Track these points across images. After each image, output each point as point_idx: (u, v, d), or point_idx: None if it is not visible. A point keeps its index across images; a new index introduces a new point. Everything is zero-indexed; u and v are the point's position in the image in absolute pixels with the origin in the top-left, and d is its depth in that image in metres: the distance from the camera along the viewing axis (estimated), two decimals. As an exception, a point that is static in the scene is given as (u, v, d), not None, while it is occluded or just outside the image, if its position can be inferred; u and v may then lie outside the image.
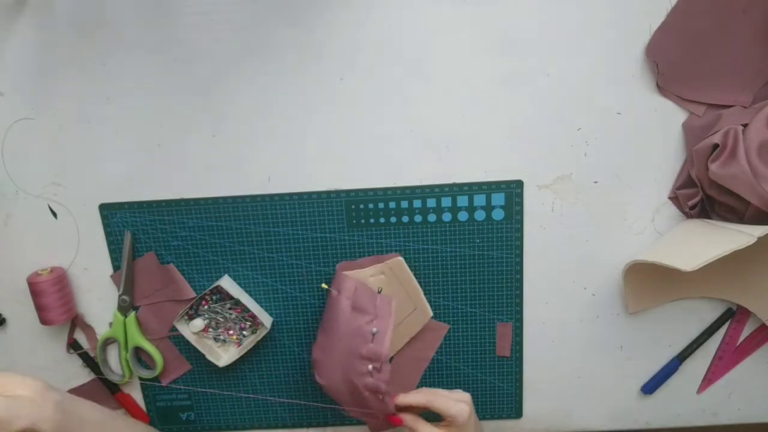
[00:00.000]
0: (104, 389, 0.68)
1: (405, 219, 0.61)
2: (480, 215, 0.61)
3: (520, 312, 0.64)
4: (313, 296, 0.64)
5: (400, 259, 0.62)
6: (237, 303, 0.63)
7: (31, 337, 0.67)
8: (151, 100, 0.59)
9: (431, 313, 0.64)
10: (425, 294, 0.63)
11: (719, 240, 0.51)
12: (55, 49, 0.58)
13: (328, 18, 0.56)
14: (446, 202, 0.61)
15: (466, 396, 0.56)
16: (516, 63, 0.57)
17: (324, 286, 0.62)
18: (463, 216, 0.61)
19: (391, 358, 0.65)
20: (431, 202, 0.61)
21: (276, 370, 0.67)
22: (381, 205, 0.61)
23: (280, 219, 0.62)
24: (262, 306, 0.64)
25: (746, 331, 0.64)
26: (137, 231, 0.63)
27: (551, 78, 0.57)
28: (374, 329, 0.55)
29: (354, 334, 0.57)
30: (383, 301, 0.58)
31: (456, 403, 0.54)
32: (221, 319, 0.64)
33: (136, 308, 0.65)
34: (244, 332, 0.65)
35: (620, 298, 0.63)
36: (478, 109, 0.58)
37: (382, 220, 0.61)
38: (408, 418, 0.56)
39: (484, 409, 0.68)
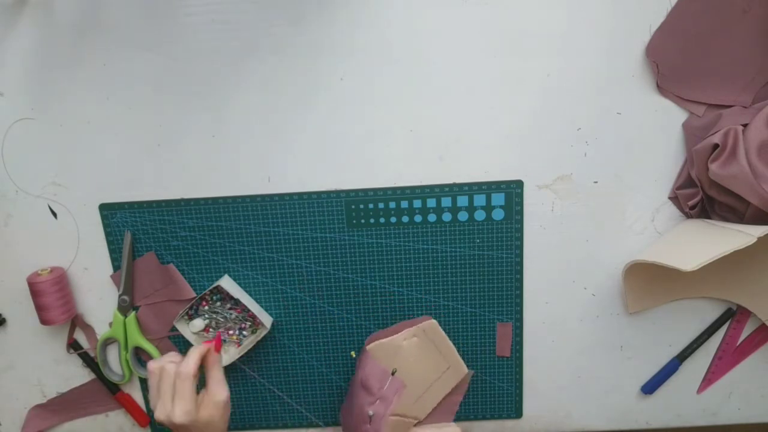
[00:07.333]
0: (104, 389, 0.69)
1: (405, 219, 0.61)
2: (480, 215, 0.61)
3: (520, 312, 0.64)
4: (313, 296, 0.64)
5: (434, 321, 0.63)
6: (237, 303, 0.63)
7: (31, 337, 0.67)
8: (151, 101, 0.59)
9: (466, 370, 0.65)
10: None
11: (719, 240, 0.51)
12: (55, 49, 0.58)
13: (329, 18, 0.56)
14: (446, 202, 0.61)
15: (458, 429, 0.56)
16: (516, 63, 0.57)
17: (353, 354, 0.65)
18: (463, 216, 0.61)
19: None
20: (431, 202, 0.61)
21: (276, 371, 0.67)
22: (381, 205, 0.61)
23: (280, 219, 0.62)
24: (262, 306, 0.64)
25: (746, 331, 0.64)
26: (137, 231, 0.63)
27: (551, 78, 0.57)
28: (371, 412, 0.57)
29: (359, 410, 0.59)
30: (393, 384, 0.59)
31: None
32: (221, 319, 0.64)
33: (136, 308, 0.65)
34: (244, 332, 0.65)
35: (620, 298, 0.63)
36: (478, 109, 0.58)
37: (382, 220, 0.61)
38: None
39: (484, 409, 0.68)
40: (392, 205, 0.61)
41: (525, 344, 0.66)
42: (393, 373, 0.59)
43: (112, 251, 0.64)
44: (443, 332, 0.64)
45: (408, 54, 0.57)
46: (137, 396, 0.69)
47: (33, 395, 0.69)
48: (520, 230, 0.61)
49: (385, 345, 0.62)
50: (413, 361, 0.63)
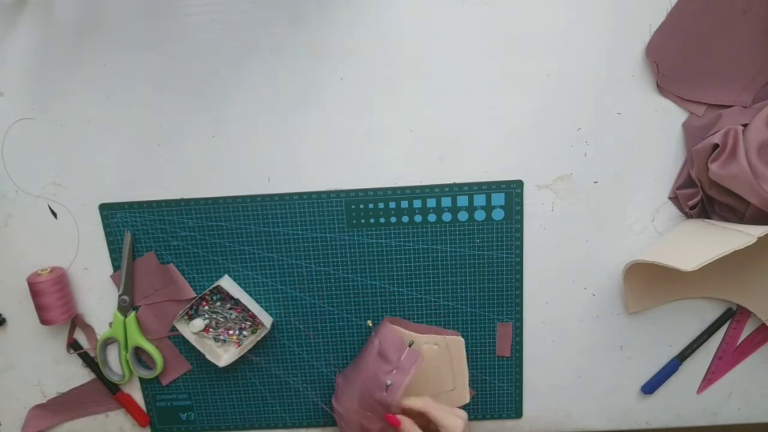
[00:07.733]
0: (104, 389, 0.69)
1: (405, 219, 0.61)
2: (480, 215, 0.61)
3: (520, 312, 0.64)
4: (313, 296, 0.64)
5: (461, 339, 0.63)
6: (237, 303, 0.63)
7: (31, 337, 0.67)
8: (151, 101, 0.59)
9: (468, 399, 0.65)
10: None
11: (719, 240, 0.51)
12: (55, 49, 0.58)
13: (329, 18, 0.56)
14: (446, 202, 0.61)
15: (464, 414, 0.58)
16: (516, 63, 0.57)
17: (369, 323, 0.64)
18: (463, 216, 0.61)
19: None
20: (431, 202, 0.61)
21: (276, 370, 0.67)
22: (381, 205, 0.61)
23: (280, 219, 0.62)
24: (262, 306, 0.64)
25: (746, 331, 0.64)
26: (137, 231, 0.63)
27: (551, 78, 0.57)
28: (389, 381, 0.57)
29: (373, 378, 0.58)
30: (410, 355, 0.58)
31: (453, 416, 0.55)
32: (221, 319, 0.64)
33: (135, 308, 0.65)
34: (244, 332, 0.65)
35: (620, 298, 0.63)
36: (478, 109, 0.58)
37: (382, 220, 0.61)
38: (406, 423, 0.57)
39: (484, 409, 0.68)
40: (392, 205, 0.61)
41: (525, 344, 0.65)
42: (410, 345, 0.59)
43: (112, 251, 0.64)
44: (465, 354, 0.64)
45: (408, 54, 0.57)
46: (137, 396, 0.69)
47: (33, 395, 0.70)
48: (520, 230, 0.61)
49: (407, 336, 0.63)
50: (422, 367, 0.62)
